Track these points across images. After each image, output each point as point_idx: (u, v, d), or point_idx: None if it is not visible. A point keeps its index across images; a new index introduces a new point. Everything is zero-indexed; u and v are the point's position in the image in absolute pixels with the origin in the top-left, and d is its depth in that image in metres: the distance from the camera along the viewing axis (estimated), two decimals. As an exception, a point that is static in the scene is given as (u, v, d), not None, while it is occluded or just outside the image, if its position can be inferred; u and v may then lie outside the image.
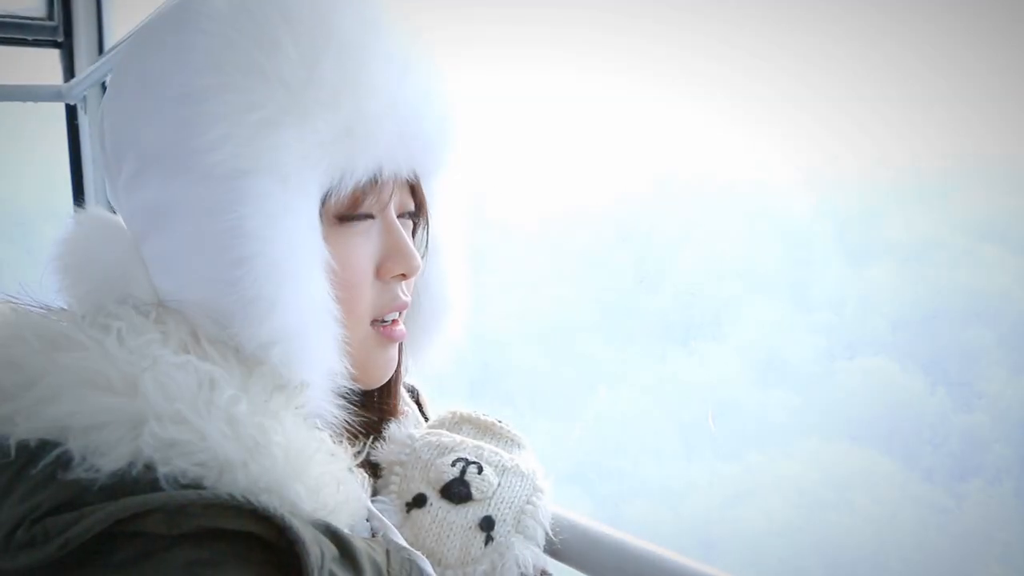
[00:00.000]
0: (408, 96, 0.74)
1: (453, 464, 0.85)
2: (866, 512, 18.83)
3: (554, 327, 28.69)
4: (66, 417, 0.59)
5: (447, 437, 0.89)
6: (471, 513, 0.82)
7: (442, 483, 0.83)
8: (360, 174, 0.71)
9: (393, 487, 0.85)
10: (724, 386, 25.79)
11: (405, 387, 0.99)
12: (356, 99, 0.69)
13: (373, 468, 0.87)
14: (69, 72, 1.66)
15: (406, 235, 0.79)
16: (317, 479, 0.65)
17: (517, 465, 0.88)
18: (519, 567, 0.80)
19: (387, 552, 0.68)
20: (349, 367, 0.73)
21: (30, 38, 1.62)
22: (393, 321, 0.81)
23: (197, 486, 0.59)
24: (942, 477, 22.20)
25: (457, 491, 0.82)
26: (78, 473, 0.57)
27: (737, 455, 22.15)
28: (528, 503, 0.85)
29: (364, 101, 0.70)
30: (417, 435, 0.89)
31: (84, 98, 1.65)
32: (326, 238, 0.72)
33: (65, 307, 0.73)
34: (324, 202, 0.71)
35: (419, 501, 0.82)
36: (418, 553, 0.73)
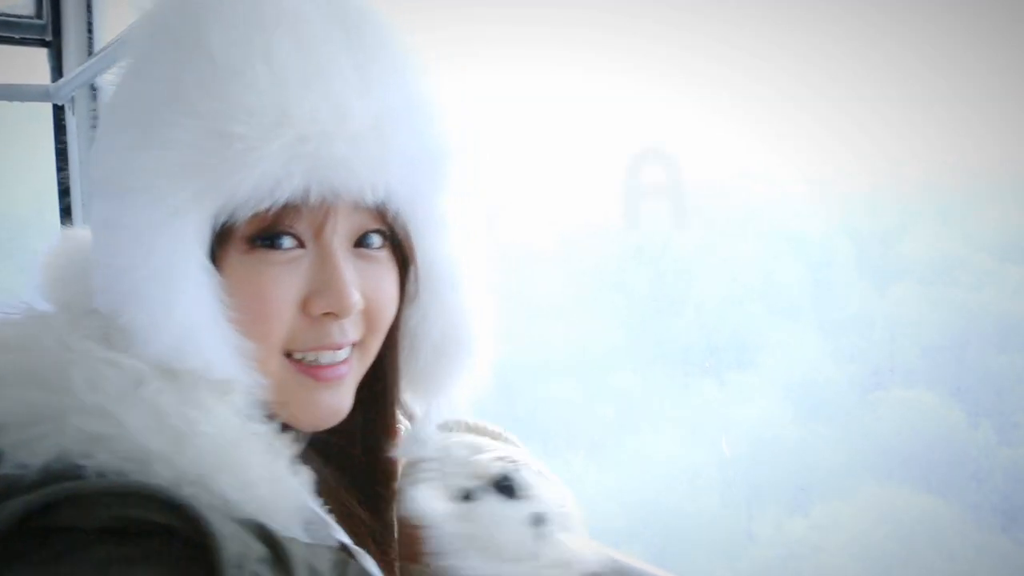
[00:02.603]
0: (306, 115, 0.68)
1: (495, 461, 0.85)
2: (938, 569, 17.91)
3: (582, 356, 27.60)
4: (3, 416, 0.61)
5: (473, 438, 0.89)
6: (521, 509, 0.82)
7: (489, 478, 0.83)
8: (246, 197, 0.67)
9: (432, 482, 0.83)
10: (762, 421, 24.83)
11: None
12: (223, 120, 0.67)
13: (383, 472, 0.86)
14: (57, 72, 1.62)
15: (344, 269, 0.72)
16: (249, 471, 0.63)
17: (541, 469, 0.89)
18: (575, 563, 0.81)
19: (342, 563, 0.65)
20: (269, 401, 0.70)
21: (17, 36, 1.59)
22: (333, 362, 0.75)
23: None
24: (1002, 520, 21.41)
25: (507, 486, 0.82)
26: (7, 469, 0.58)
27: (790, 502, 21.19)
28: (563, 505, 0.86)
29: (232, 123, 0.67)
30: (439, 436, 0.88)
31: (72, 99, 1.63)
32: (227, 263, 0.70)
33: (41, 311, 0.73)
34: (224, 226, 0.69)
35: (468, 495, 0.82)
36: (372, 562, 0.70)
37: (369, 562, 0.70)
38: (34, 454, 0.58)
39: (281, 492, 0.65)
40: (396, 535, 0.87)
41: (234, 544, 0.56)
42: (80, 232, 0.81)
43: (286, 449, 0.67)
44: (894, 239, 38.08)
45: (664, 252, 36.69)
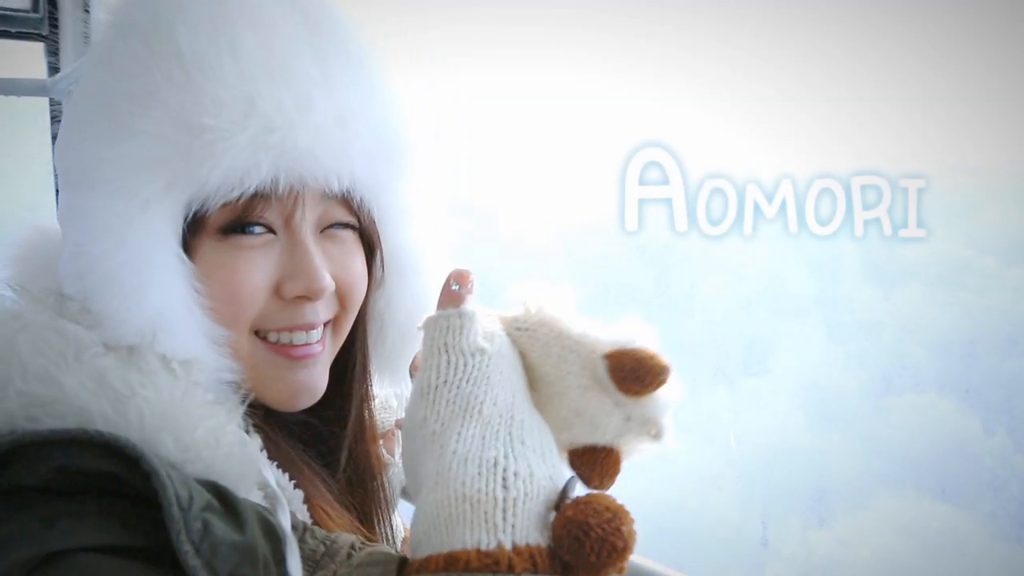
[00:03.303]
0: (272, 107, 0.71)
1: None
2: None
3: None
4: None
5: None
6: None
7: None
8: (216, 187, 0.70)
9: None
10: (774, 428, 24.36)
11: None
12: (192, 112, 0.69)
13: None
14: (54, 66, 1.63)
15: (314, 254, 0.76)
16: (192, 434, 0.65)
17: None
18: None
19: (302, 525, 0.66)
20: (240, 379, 0.73)
21: (14, 30, 1.59)
22: (307, 342, 0.78)
23: None
24: (1018, 530, 21.07)
25: None
26: None
27: (806, 510, 20.73)
28: None
29: (200, 115, 0.69)
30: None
31: (70, 93, 1.53)
32: (201, 251, 0.73)
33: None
34: (196, 216, 0.72)
35: None
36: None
37: (284, 515, 0.68)
38: None
39: (226, 456, 0.65)
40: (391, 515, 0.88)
41: (180, 487, 0.57)
42: (47, 224, 0.83)
43: (233, 417, 0.69)
44: (896, 240, 37.84)
45: (667, 252, 36.20)
